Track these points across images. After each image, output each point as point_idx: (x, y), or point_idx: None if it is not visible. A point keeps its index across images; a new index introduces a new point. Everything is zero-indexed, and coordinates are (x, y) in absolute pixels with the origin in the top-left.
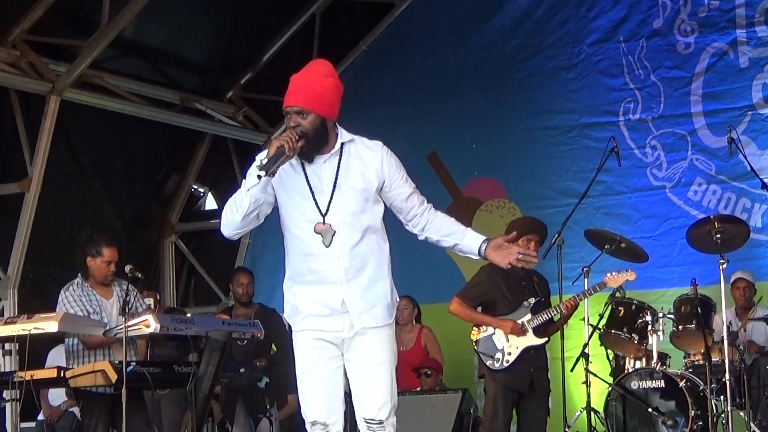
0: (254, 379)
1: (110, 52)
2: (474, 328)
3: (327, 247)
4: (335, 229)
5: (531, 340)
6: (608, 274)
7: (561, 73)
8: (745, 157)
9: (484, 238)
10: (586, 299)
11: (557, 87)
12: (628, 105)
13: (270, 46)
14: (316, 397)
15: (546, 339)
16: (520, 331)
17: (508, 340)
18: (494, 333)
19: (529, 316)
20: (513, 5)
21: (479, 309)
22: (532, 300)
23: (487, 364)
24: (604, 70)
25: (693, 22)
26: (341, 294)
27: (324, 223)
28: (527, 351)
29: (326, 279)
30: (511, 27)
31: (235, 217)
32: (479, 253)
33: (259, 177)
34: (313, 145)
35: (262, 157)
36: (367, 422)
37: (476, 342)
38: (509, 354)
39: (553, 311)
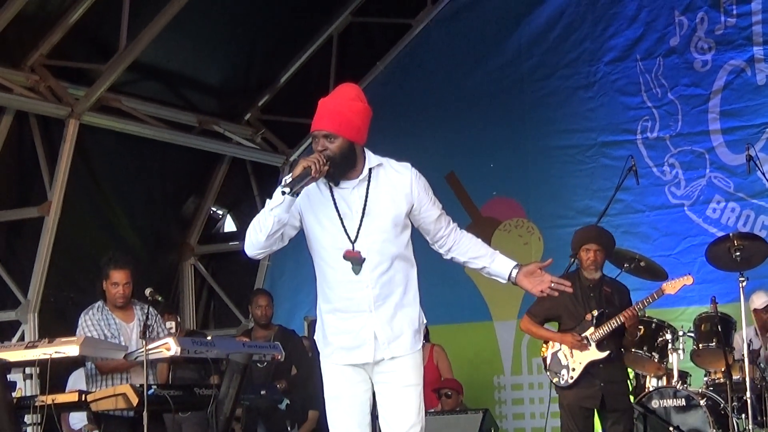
0: (275, 401)
1: (128, 76)
2: (543, 344)
3: (356, 274)
4: (365, 257)
5: (593, 354)
6: (666, 282)
7: (578, 92)
8: (763, 174)
9: (515, 263)
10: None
11: (575, 106)
12: (645, 123)
13: (287, 67)
14: (344, 422)
15: (608, 352)
16: (581, 345)
17: (572, 356)
18: (560, 349)
19: (592, 329)
20: (530, 25)
21: (549, 325)
22: (595, 312)
23: (554, 381)
24: (622, 88)
25: (710, 39)
26: (370, 323)
27: (353, 250)
28: (592, 365)
29: (355, 307)
30: (527, 46)
31: (259, 236)
32: (509, 278)
33: (284, 193)
34: (340, 168)
35: (287, 177)
36: None
37: (544, 359)
38: (573, 370)
39: (614, 323)
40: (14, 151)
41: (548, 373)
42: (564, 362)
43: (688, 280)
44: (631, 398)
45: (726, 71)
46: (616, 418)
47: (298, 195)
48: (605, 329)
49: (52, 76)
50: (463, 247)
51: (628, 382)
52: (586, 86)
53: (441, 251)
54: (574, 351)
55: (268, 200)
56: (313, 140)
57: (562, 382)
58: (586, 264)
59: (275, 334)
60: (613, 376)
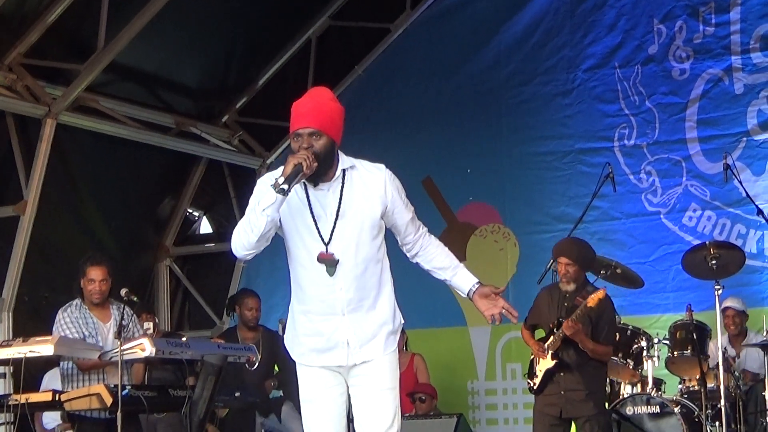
0: (248, 403)
1: (106, 76)
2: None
3: (331, 276)
4: (338, 258)
5: (547, 362)
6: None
7: (556, 98)
8: (740, 183)
9: (476, 281)
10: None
11: (552, 112)
12: (623, 131)
13: (265, 70)
14: (320, 425)
15: (555, 361)
16: (539, 352)
17: (538, 363)
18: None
19: (552, 338)
20: (508, 31)
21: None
22: (556, 321)
23: (528, 386)
24: (599, 95)
25: (688, 48)
26: (342, 326)
27: (327, 252)
28: (552, 373)
29: (328, 309)
30: (506, 52)
31: (250, 237)
32: (468, 295)
33: (280, 192)
34: (322, 168)
35: (276, 176)
36: None
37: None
38: (536, 377)
39: (561, 333)
40: None
41: (525, 378)
42: (534, 369)
43: (600, 293)
44: (606, 405)
45: (704, 80)
46: (580, 425)
47: (288, 193)
48: (556, 339)
49: (29, 75)
50: (429, 255)
51: (598, 390)
52: (564, 93)
53: (408, 254)
54: (540, 359)
55: (255, 201)
56: (294, 139)
57: (531, 388)
58: (561, 276)
59: (262, 335)
60: (571, 385)
